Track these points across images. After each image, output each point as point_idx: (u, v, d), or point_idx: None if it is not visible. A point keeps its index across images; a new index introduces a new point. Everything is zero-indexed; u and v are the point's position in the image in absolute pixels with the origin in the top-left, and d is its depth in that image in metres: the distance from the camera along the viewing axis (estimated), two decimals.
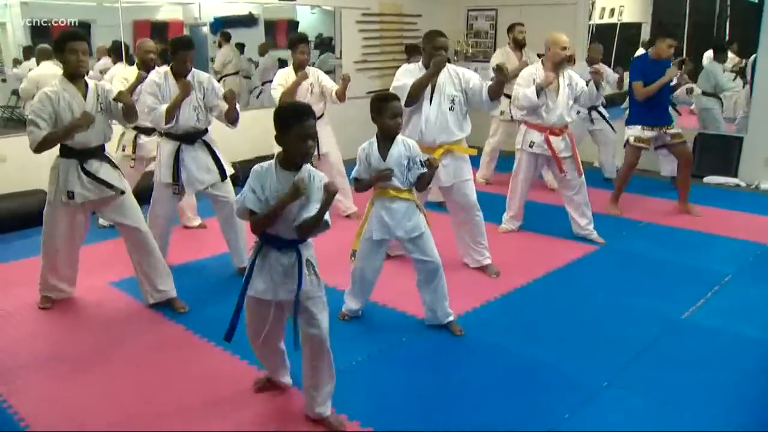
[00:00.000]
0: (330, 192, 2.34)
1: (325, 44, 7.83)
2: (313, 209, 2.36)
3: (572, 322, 3.54)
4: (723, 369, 3.05)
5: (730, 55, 6.94)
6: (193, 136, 3.95)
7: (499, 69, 3.76)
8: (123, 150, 4.87)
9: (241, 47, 7.26)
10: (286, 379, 2.83)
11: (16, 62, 5.78)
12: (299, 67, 4.99)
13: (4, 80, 5.85)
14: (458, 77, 3.91)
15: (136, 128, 4.64)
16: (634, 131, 5.34)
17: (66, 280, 3.74)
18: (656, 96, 5.15)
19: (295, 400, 2.75)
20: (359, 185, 3.29)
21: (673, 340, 3.34)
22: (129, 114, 3.50)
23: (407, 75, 3.92)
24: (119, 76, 4.81)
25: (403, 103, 3.54)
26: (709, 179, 6.65)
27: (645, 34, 7.72)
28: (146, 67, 4.59)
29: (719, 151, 6.72)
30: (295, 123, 2.34)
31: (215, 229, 4.39)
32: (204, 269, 4.33)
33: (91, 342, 3.33)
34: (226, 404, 2.76)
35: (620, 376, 2.98)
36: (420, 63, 3.98)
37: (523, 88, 4.58)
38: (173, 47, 3.85)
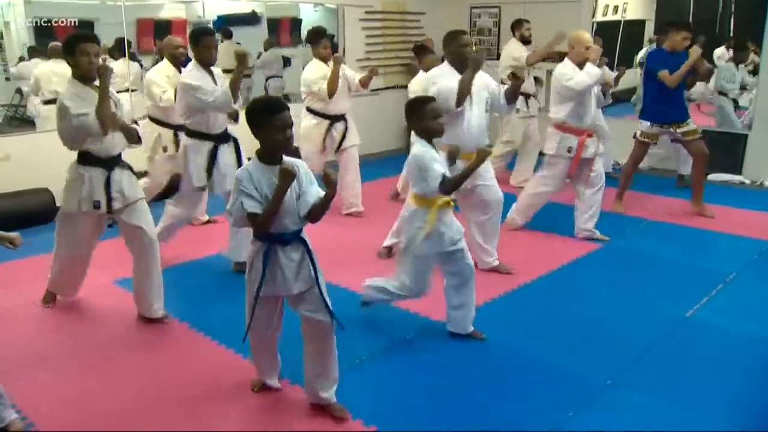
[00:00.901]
0: (331, 181, 2.41)
1: None
2: (314, 193, 2.45)
3: (576, 320, 3.54)
4: (728, 367, 3.04)
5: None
6: (226, 135, 3.94)
7: (515, 76, 3.77)
8: (165, 151, 4.75)
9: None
10: (276, 383, 2.84)
11: (21, 60, 5.79)
12: (324, 61, 5.00)
13: (7, 78, 5.87)
14: (481, 79, 3.79)
15: (166, 125, 4.64)
16: (643, 126, 5.35)
17: (76, 285, 3.73)
18: (670, 92, 5.09)
19: (296, 395, 2.77)
20: (447, 185, 2.94)
21: (677, 339, 3.33)
22: (129, 135, 3.32)
23: (443, 77, 3.72)
24: (161, 74, 4.62)
25: (452, 105, 3.52)
26: (714, 176, 6.60)
27: (648, 31, 7.70)
28: (176, 62, 4.55)
29: (724, 149, 6.67)
30: (271, 116, 2.37)
31: (222, 227, 4.39)
32: (211, 266, 4.32)
33: (95, 340, 3.34)
34: (230, 401, 2.77)
35: (624, 374, 2.97)
36: (445, 64, 3.82)
37: (577, 75, 4.35)
38: (196, 37, 3.83)
